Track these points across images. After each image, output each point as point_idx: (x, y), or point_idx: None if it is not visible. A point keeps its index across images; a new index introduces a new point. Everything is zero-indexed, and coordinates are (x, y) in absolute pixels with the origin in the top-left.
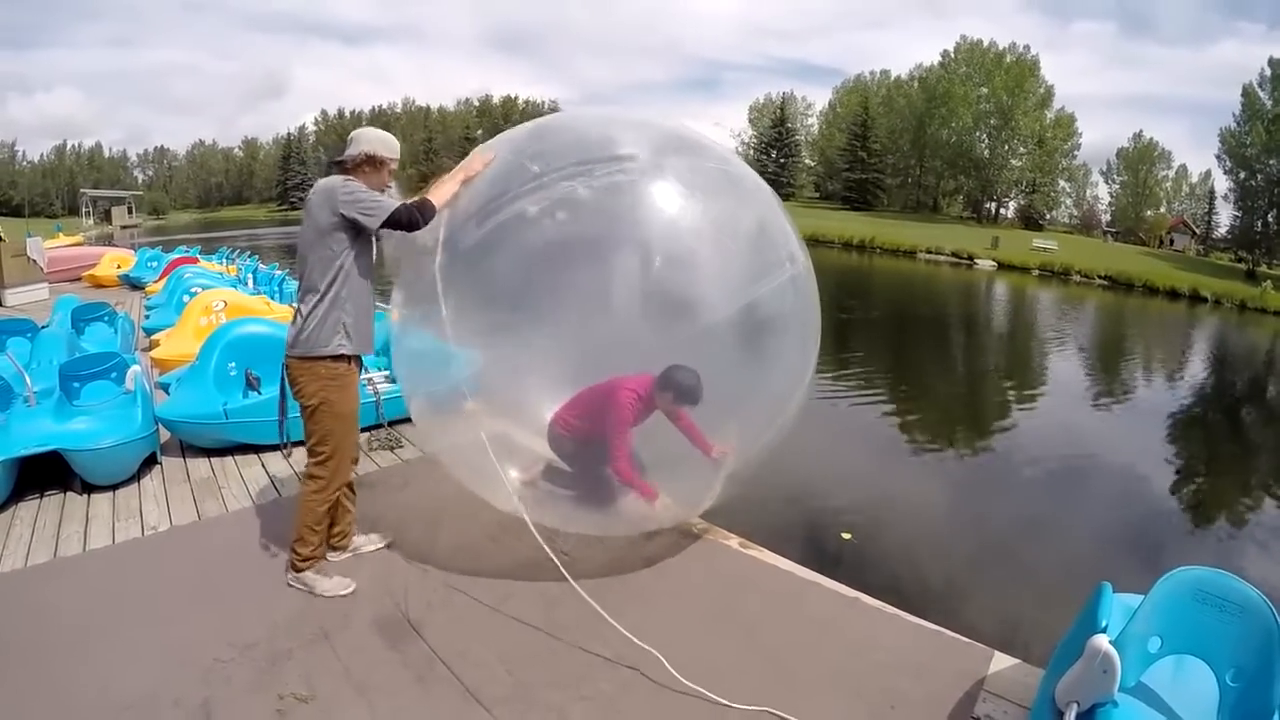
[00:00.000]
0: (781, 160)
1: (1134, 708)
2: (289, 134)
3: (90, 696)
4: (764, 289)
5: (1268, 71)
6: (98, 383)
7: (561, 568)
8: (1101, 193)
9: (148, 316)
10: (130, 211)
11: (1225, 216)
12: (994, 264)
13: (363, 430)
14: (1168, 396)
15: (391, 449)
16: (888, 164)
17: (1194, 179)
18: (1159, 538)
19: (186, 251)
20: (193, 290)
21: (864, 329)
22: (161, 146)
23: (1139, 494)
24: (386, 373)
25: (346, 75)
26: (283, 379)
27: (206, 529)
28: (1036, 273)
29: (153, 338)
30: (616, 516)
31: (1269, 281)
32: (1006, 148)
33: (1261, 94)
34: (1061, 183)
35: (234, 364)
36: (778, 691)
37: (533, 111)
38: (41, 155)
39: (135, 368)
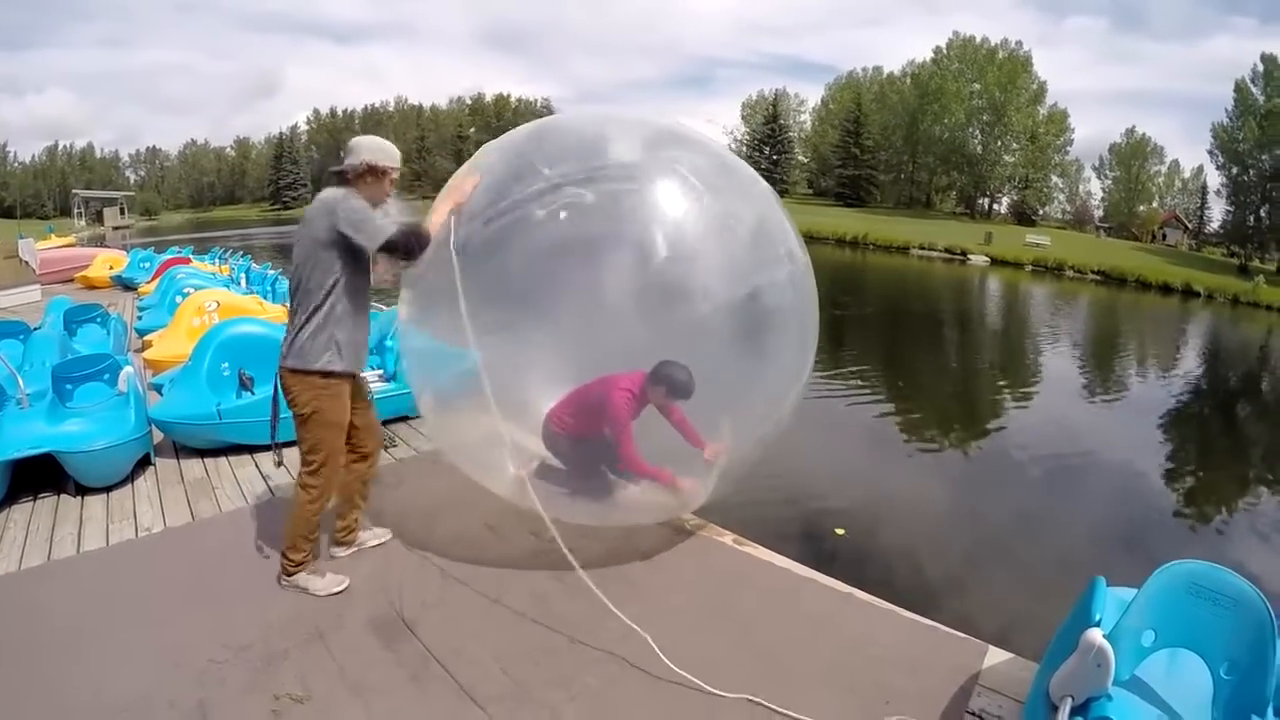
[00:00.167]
0: (775, 157)
1: (1128, 701)
2: (281, 133)
3: (85, 698)
4: (763, 279)
5: (1260, 67)
6: (91, 384)
7: (574, 561)
8: (1094, 188)
9: (140, 317)
10: (122, 212)
11: (1218, 211)
12: (987, 260)
13: None
14: (1161, 392)
15: (385, 448)
16: (880, 160)
17: (1186, 174)
18: (1152, 532)
19: (179, 252)
20: (185, 291)
21: (858, 325)
22: (153, 147)
23: (1132, 488)
24: (379, 372)
25: (339, 74)
26: (276, 385)
27: (200, 530)
28: (1029, 268)
29: (145, 339)
30: (611, 509)
31: (1261, 276)
32: (999, 143)
33: (1254, 89)
34: (1054, 178)
35: (227, 364)
36: (772, 687)
37: (525, 109)
38: (33, 156)
39: (128, 369)
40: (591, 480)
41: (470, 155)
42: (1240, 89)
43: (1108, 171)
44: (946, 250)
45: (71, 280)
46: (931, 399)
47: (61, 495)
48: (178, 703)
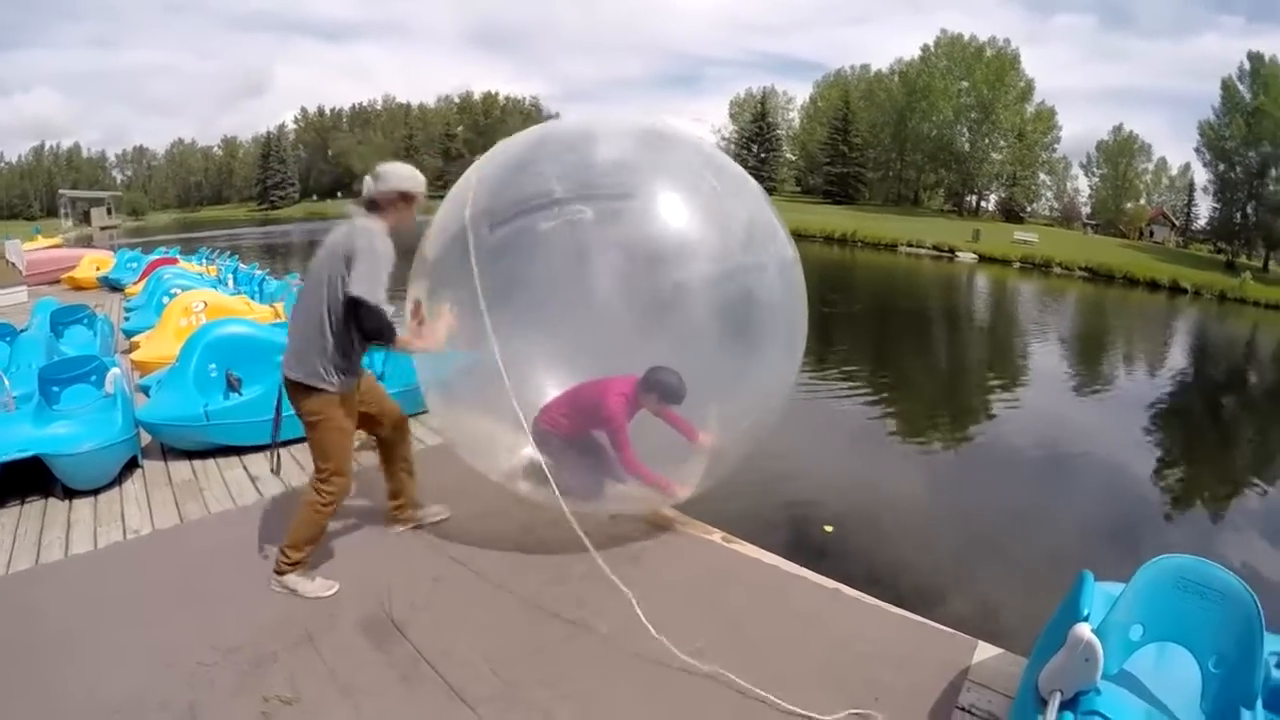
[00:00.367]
0: (763, 155)
1: (1117, 695)
2: (269, 132)
3: (76, 701)
4: (751, 259)
5: (1247, 65)
6: (77, 386)
7: (588, 544)
8: (1082, 185)
9: (127, 318)
10: (109, 212)
11: (1204, 208)
12: (975, 257)
13: None
14: (1149, 387)
15: (373, 448)
16: (869, 158)
17: (1173, 171)
18: (1140, 526)
19: (166, 252)
20: (172, 291)
21: (846, 322)
22: (140, 146)
23: (1120, 484)
24: (369, 373)
25: (327, 72)
26: (280, 394)
27: (189, 532)
28: (1017, 265)
29: (133, 340)
30: (600, 502)
31: (1248, 273)
32: (987, 141)
33: (1240, 87)
34: (1042, 176)
35: (214, 365)
36: (761, 684)
37: (513, 108)
38: (19, 156)
39: (115, 370)
40: (582, 475)
41: (457, 153)
42: (1227, 87)
43: (1095, 169)
44: (935, 247)
45: (58, 281)
46: (920, 396)
47: (49, 499)
48: (168, 705)
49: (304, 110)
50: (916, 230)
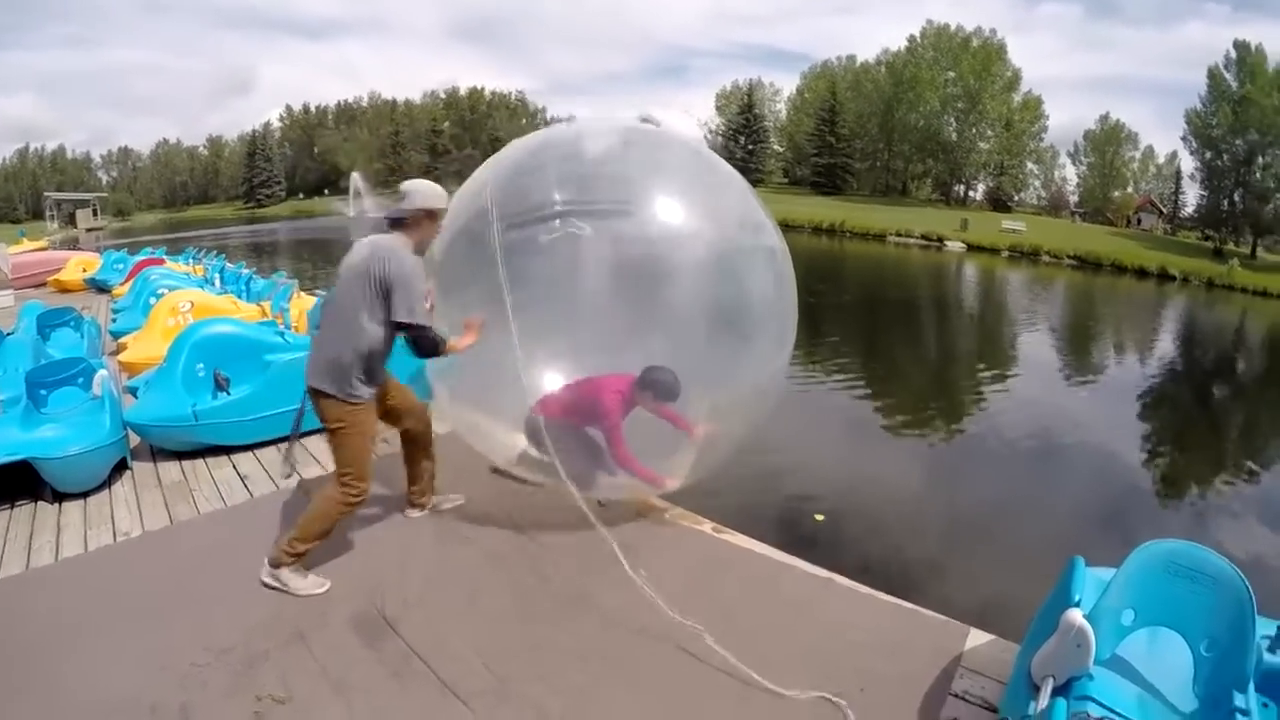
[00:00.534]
0: (750, 147)
1: (1109, 680)
2: (254, 131)
3: (68, 705)
4: (742, 245)
5: (1233, 53)
6: (65, 389)
7: (596, 521)
8: (1069, 174)
9: (114, 320)
10: (95, 214)
11: (1192, 196)
12: (963, 246)
13: None
14: (1138, 374)
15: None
16: (856, 148)
17: (1161, 159)
18: (1130, 512)
19: (152, 253)
20: (159, 292)
21: (835, 312)
22: (125, 147)
23: (1110, 469)
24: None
25: (312, 70)
26: (304, 402)
27: (179, 533)
28: (1006, 254)
29: (120, 341)
30: (592, 490)
31: (1235, 259)
32: (974, 131)
33: (1227, 75)
34: (1029, 165)
35: (202, 365)
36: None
37: (499, 103)
38: (4, 159)
39: (102, 372)
40: (574, 465)
41: (444, 149)
42: (1214, 75)
43: (1083, 158)
44: (923, 237)
45: (44, 284)
46: (910, 385)
47: (39, 503)
48: (160, 707)
49: (289, 108)
50: (904, 220)
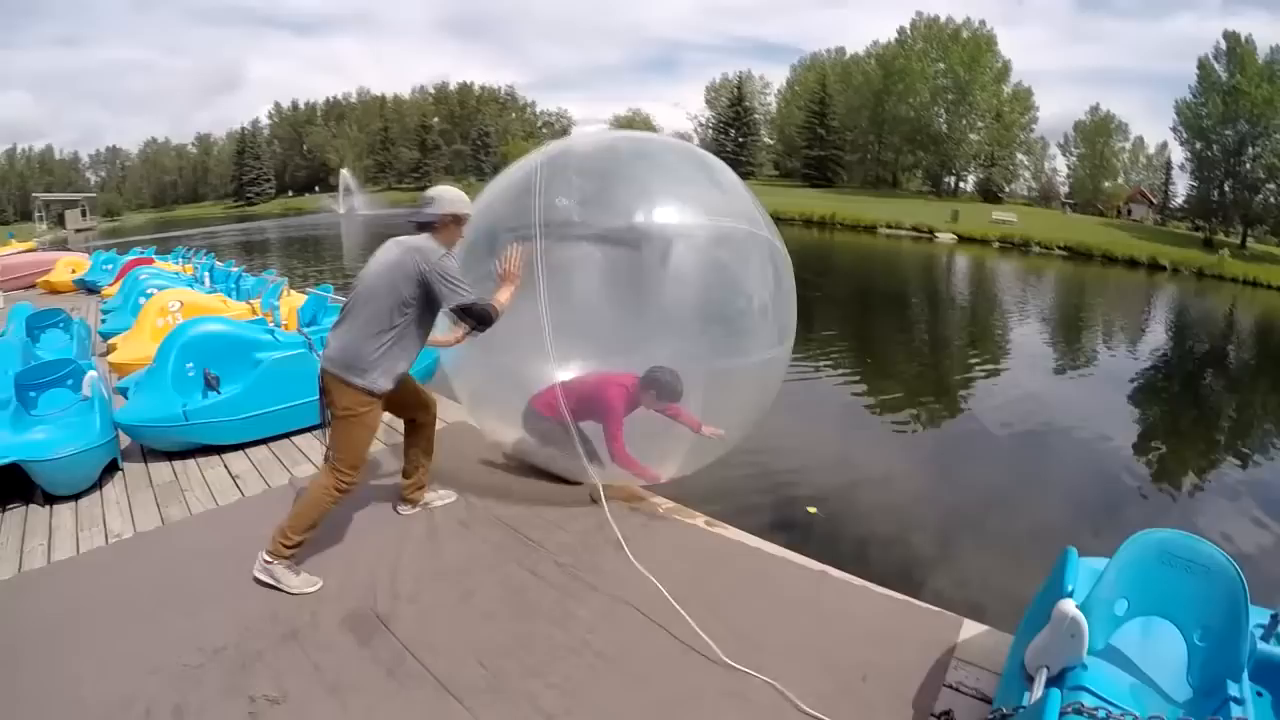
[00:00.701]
0: (740, 139)
1: (1103, 670)
2: (243, 128)
3: (63, 707)
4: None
5: (1223, 44)
6: (54, 390)
7: (602, 500)
8: (1060, 165)
9: (104, 320)
10: (84, 214)
11: (1182, 186)
12: (954, 237)
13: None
14: (1130, 364)
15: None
16: (846, 141)
17: (1151, 150)
18: (1123, 502)
19: (142, 253)
20: (149, 291)
21: (826, 305)
22: (114, 146)
23: (1102, 460)
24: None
25: (301, 66)
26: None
27: (171, 534)
28: (997, 245)
29: (110, 342)
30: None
31: (1225, 249)
32: (964, 122)
33: (1217, 66)
34: (1020, 156)
35: (191, 364)
36: (748, 668)
37: (489, 97)
38: None
39: (92, 373)
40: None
41: (433, 144)
42: (1204, 66)
43: (1073, 149)
44: (914, 229)
45: (34, 286)
46: (901, 376)
47: (30, 505)
48: (155, 708)
49: (278, 105)
50: (895, 212)
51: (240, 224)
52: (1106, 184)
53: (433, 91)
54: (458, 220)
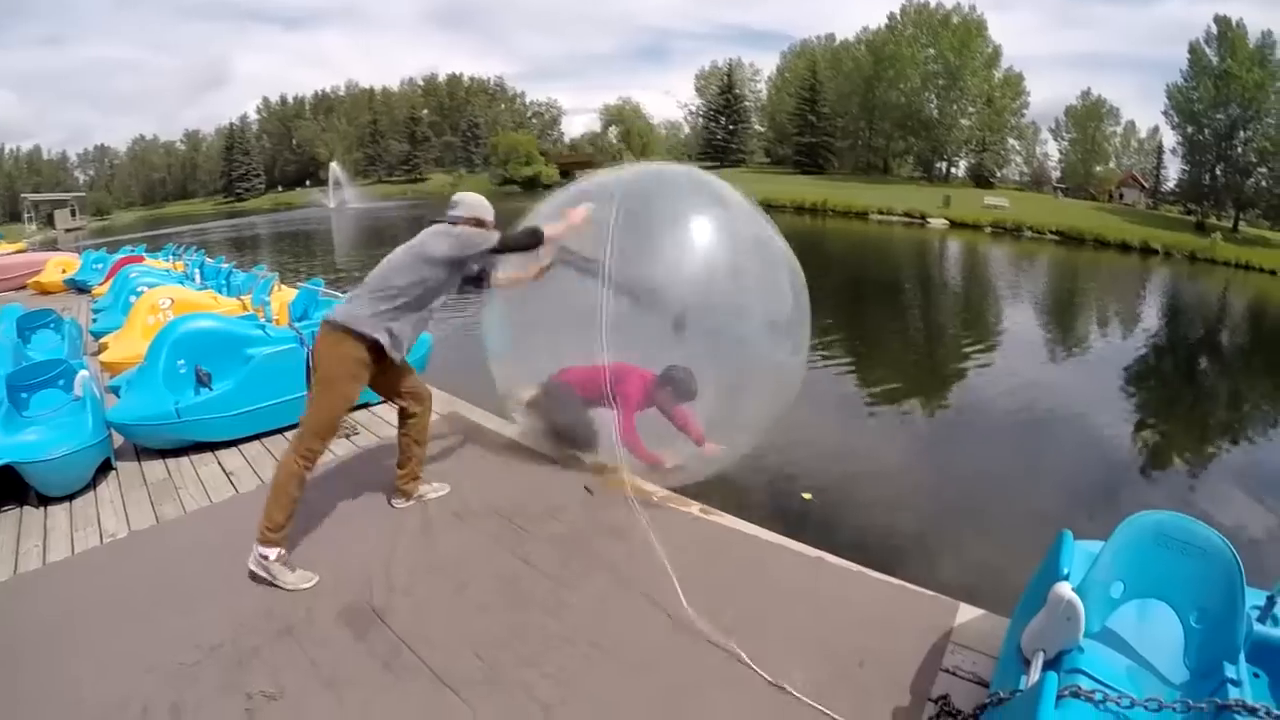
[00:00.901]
0: (731, 127)
1: (1100, 653)
2: (231, 124)
3: (59, 709)
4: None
5: (1213, 29)
6: (46, 391)
7: (637, 508)
8: (1051, 150)
9: (95, 319)
10: (74, 214)
11: (1174, 170)
12: (946, 223)
13: None
14: (1123, 348)
15: (347, 436)
16: (837, 127)
17: (1142, 134)
18: (1118, 484)
19: (132, 251)
20: (139, 290)
21: (818, 292)
22: (102, 145)
23: (1097, 443)
24: None
25: (288, 60)
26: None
27: (165, 532)
28: (989, 230)
29: (101, 341)
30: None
31: (1218, 233)
32: (955, 108)
33: (1208, 50)
34: (1011, 141)
35: (183, 361)
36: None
37: (478, 89)
38: None
39: (83, 373)
40: (580, 429)
41: (423, 136)
42: (1195, 50)
43: (1064, 133)
44: (906, 214)
45: (24, 287)
46: (895, 361)
47: (24, 507)
48: (151, 707)
49: (266, 100)
50: (887, 198)
51: (230, 220)
52: (1098, 168)
53: (421, 83)
54: (480, 224)
